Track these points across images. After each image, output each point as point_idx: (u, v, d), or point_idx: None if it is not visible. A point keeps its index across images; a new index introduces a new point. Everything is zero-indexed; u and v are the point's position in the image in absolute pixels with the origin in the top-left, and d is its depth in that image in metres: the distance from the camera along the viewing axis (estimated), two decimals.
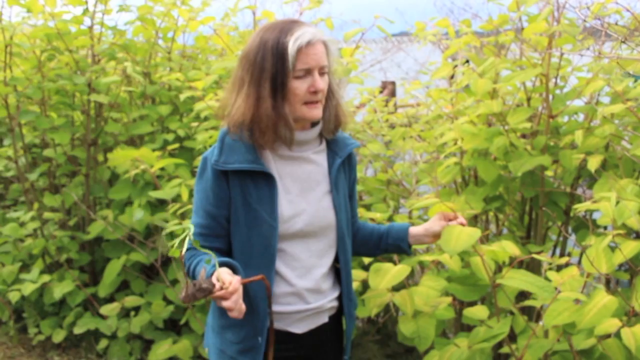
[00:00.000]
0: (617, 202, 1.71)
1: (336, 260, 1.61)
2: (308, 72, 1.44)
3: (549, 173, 2.44)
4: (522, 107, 2.40)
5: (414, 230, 1.69)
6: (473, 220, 2.47)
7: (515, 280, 1.70)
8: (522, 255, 1.82)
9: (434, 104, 2.75)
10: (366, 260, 2.09)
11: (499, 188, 2.38)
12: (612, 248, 1.80)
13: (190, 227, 1.17)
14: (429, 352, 1.89)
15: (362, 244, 1.74)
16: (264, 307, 1.50)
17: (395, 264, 1.95)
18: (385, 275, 1.89)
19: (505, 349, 1.97)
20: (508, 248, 1.77)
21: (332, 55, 1.49)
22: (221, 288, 1.24)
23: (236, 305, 1.27)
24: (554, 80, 2.51)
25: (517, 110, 2.35)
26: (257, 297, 1.49)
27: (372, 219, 2.22)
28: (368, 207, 2.65)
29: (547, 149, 2.30)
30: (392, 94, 5.07)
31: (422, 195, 2.52)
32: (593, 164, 2.05)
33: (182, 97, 2.98)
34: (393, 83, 5.43)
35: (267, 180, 1.48)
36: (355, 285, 2.08)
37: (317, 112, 1.48)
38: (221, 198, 1.49)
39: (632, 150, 1.99)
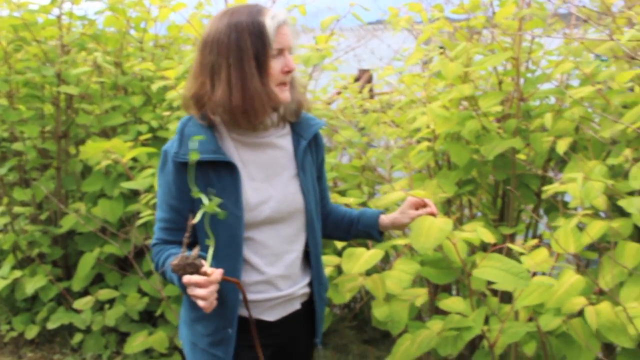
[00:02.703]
0: (585, 183, 1.72)
1: (306, 244, 1.60)
2: (281, 52, 1.43)
3: (521, 156, 2.45)
4: (494, 91, 2.41)
5: (384, 218, 1.67)
6: (446, 204, 2.47)
7: (489, 270, 1.65)
8: (496, 241, 1.82)
9: (407, 89, 2.74)
10: (339, 245, 2.09)
11: (472, 172, 2.38)
12: (582, 229, 1.82)
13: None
14: (402, 336, 1.89)
15: (333, 227, 1.73)
16: (233, 298, 1.48)
17: (368, 248, 1.94)
18: (358, 259, 1.88)
19: (478, 331, 1.98)
20: (482, 235, 1.76)
21: (296, 37, 1.48)
22: (205, 273, 1.23)
23: (211, 295, 1.26)
24: (525, 64, 2.52)
25: (488, 93, 2.36)
26: (226, 289, 1.46)
27: (346, 205, 2.21)
28: (343, 193, 2.64)
29: (518, 132, 2.31)
30: (369, 82, 5.06)
31: (395, 182, 2.51)
32: (562, 146, 2.06)
33: (154, 87, 2.93)
34: (369, 71, 5.42)
35: (229, 169, 1.46)
36: (329, 270, 2.07)
37: (287, 94, 1.47)
38: (184, 191, 1.45)
39: (600, 132, 2.01)
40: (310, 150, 1.60)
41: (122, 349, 3.02)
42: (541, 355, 1.86)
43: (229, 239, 1.46)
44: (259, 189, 1.49)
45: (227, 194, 1.45)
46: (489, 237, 1.73)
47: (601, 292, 1.68)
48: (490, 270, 1.64)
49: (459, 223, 2.48)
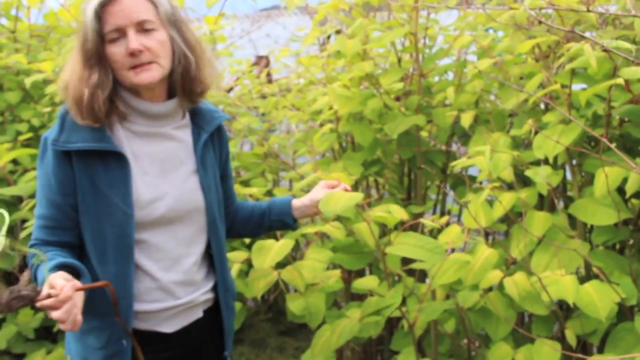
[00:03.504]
0: (492, 156, 1.72)
1: (209, 246, 1.47)
2: (122, 32, 1.27)
3: (424, 133, 2.44)
4: (394, 68, 2.37)
5: (297, 202, 1.59)
6: (353, 187, 2.42)
7: (405, 247, 1.61)
8: (410, 219, 1.78)
9: (306, 71, 2.66)
10: (247, 239, 1.98)
11: (377, 151, 2.34)
12: (489, 202, 1.82)
13: (5, 215, 0.98)
14: (321, 327, 1.81)
15: (243, 224, 1.62)
16: (124, 306, 1.33)
17: (277, 239, 1.85)
18: (269, 252, 1.77)
19: (396, 312, 1.94)
20: (395, 212, 1.71)
21: (164, 8, 1.32)
22: (49, 296, 1.05)
23: (69, 315, 1.08)
24: (423, 40, 2.50)
25: (388, 71, 2.32)
26: (117, 297, 1.31)
27: (250, 195, 2.10)
28: (246, 183, 2.53)
29: (420, 108, 2.29)
30: (267, 67, 4.96)
31: (300, 167, 2.42)
32: (466, 119, 2.05)
33: (28, 81, 2.67)
34: (267, 57, 5.31)
35: (118, 160, 1.31)
36: (239, 267, 1.96)
37: (145, 76, 1.29)
38: (65, 184, 1.29)
39: (503, 102, 2.01)
40: (212, 144, 1.47)
41: None
42: (460, 330, 1.85)
43: (117, 240, 1.31)
44: (152, 185, 1.35)
45: (115, 189, 1.30)
46: (402, 214, 1.68)
47: (513, 263, 1.69)
48: (405, 247, 1.59)
49: (368, 206, 2.44)
